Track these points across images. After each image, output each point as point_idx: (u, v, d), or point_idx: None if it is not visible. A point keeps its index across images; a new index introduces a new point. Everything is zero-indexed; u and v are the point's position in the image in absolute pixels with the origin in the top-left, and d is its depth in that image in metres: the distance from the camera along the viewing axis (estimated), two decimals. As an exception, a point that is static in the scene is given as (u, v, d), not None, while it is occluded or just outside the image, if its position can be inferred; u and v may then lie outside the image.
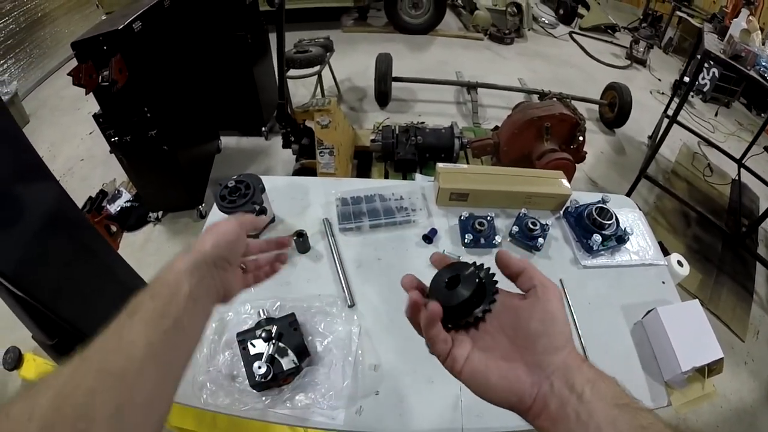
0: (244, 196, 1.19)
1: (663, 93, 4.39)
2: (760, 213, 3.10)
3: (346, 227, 1.29)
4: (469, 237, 1.24)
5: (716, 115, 4.27)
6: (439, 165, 1.37)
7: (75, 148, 3.38)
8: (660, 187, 3.02)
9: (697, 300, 1.17)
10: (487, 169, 1.37)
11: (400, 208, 1.33)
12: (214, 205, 1.22)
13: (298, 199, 1.40)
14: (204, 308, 0.56)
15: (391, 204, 1.34)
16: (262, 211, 1.24)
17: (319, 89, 3.49)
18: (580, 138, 2.46)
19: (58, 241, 1.44)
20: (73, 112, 2.68)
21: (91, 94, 2.07)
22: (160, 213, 2.83)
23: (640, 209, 1.49)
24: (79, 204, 2.82)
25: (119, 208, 2.81)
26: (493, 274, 0.54)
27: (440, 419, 0.97)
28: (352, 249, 1.26)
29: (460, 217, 1.30)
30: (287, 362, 0.95)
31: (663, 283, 1.28)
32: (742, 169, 3.52)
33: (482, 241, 1.25)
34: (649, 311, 1.15)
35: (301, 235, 1.22)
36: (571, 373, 0.44)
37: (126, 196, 2.87)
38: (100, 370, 0.41)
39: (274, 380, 0.94)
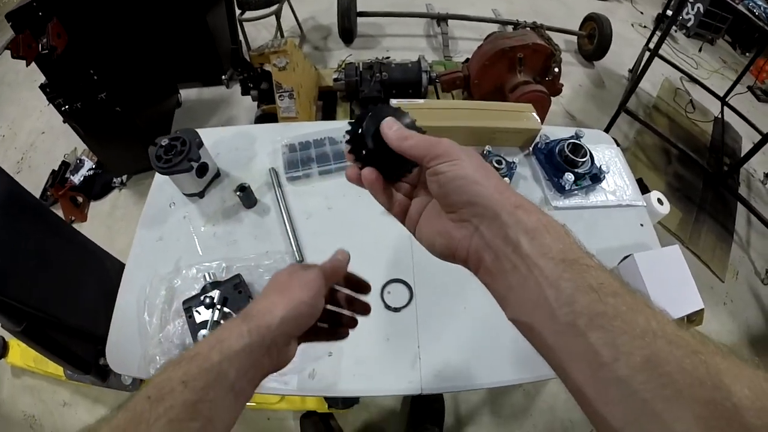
0: (180, 153, 1.10)
1: (645, 26, 4.22)
2: (743, 153, 3.05)
3: (294, 176, 1.18)
4: (425, 179, 1.12)
5: (700, 51, 4.14)
6: (393, 101, 1.24)
7: (35, 121, 3.24)
8: (640, 122, 2.92)
9: (677, 245, 1.09)
10: (448, 104, 1.26)
11: (352, 151, 1.21)
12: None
13: (244, 149, 1.29)
14: (246, 397, 0.46)
15: (342, 147, 1.22)
16: (202, 167, 1.15)
17: (278, 30, 3.30)
18: (556, 69, 2.34)
19: (15, 231, 1.38)
20: (30, 85, 2.56)
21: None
22: (125, 177, 2.74)
23: (618, 145, 1.39)
24: (44, 179, 2.77)
25: (83, 178, 2.70)
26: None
27: (397, 379, 0.92)
28: (301, 199, 1.16)
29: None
30: None
31: (641, 225, 1.21)
32: (725, 108, 3.42)
33: (442, 182, 1.13)
34: (625, 257, 1.07)
35: (243, 189, 1.13)
36: (502, 221, 0.38)
37: (88, 165, 2.76)
38: None
39: None
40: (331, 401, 1.69)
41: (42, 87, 2.10)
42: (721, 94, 3.39)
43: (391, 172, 0.48)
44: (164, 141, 1.12)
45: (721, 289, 2.54)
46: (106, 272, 1.73)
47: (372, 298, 0.98)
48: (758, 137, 2.68)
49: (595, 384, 0.33)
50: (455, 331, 0.97)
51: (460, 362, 0.93)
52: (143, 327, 0.97)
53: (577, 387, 0.34)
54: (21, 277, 1.36)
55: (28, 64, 1.88)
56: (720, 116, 3.44)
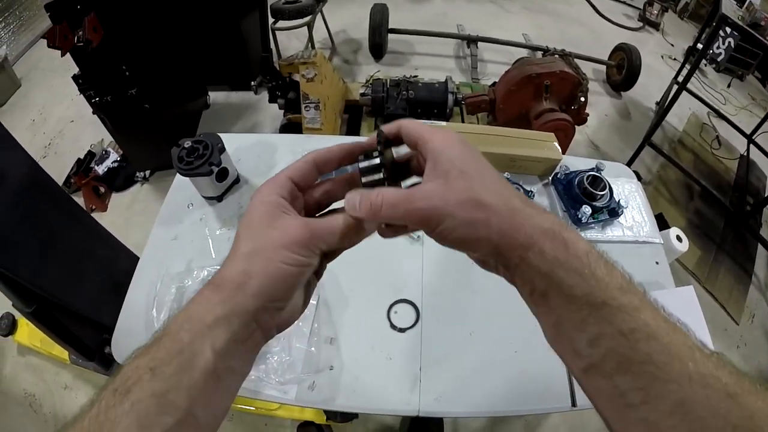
0: (202, 156, 1.11)
1: (675, 59, 4.18)
2: (767, 193, 2.99)
3: (312, 185, 1.17)
4: (443, 202, 1.12)
5: (729, 86, 4.09)
6: (418, 122, 1.24)
7: (65, 109, 3.32)
8: (664, 156, 2.89)
9: (691, 286, 1.07)
10: (469, 128, 1.25)
11: (372, 169, 1.21)
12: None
13: (265, 158, 1.31)
14: (235, 376, 0.38)
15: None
16: (222, 171, 1.16)
17: (310, 41, 3.33)
18: (582, 99, 2.33)
19: (34, 214, 1.41)
20: (63, 73, 2.63)
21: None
22: (147, 172, 2.79)
23: (640, 179, 1.38)
24: (68, 166, 2.83)
25: (107, 169, 2.76)
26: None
27: (396, 399, 0.91)
28: None
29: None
30: None
31: (657, 263, 1.18)
32: (751, 145, 3.37)
33: (458, 207, 1.13)
34: None
35: (262, 196, 1.12)
36: (515, 264, 0.37)
37: (113, 156, 2.81)
38: None
39: None
40: (330, 414, 1.68)
41: (75, 77, 2.15)
42: (748, 132, 3.35)
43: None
44: (187, 143, 1.13)
45: (736, 331, 2.49)
46: (120, 264, 1.75)
47: (378, 317, 1.00)
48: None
49: (621, 421, 0.33)
50: (459, 356, 0.96)
51: (461, 388, 0.92)
52: (150, 322, 0.98)
53: (604, 417, 0.34)
54: (35, 259, 1.38)
55: (63, 55, 1.93)
56: (746, 154, 3.39)
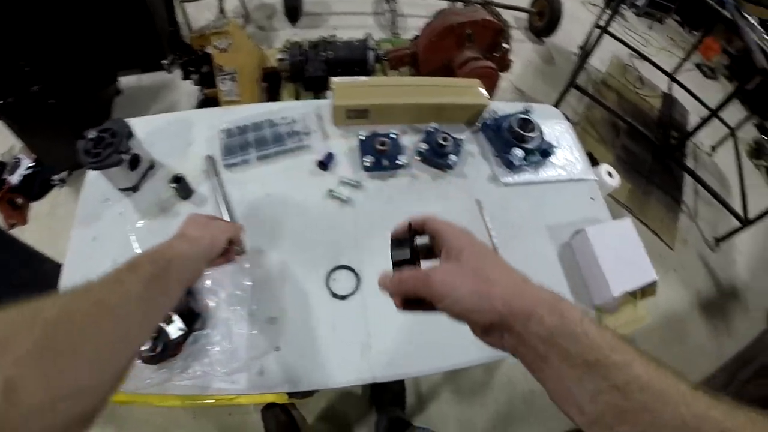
0: (110, 145, 1.02)
1: (596, 5, 4.27)
2: (689, 126, 3.14)
3: (231, 162, 1.11)
4: (369, 159, 1.08)
5: (650, 29, 4.25)
6: (334, 79, 1.19)
7: (-32, 121, 3.03)
8: (589, 96, 2.96)
9: (628, 218, 1.09)
10: (391, 81, 1.20)
11: (291, 133, 1.16)
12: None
13: (180, 137, 1.21)
14: (184, 284, 0.65)
15: (282, 129, 1.16)
16: (134, 159, 1.07)
17: (222, 11, 3.19)
18: (505, 45, 2.31)
19: None
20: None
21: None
22: (65, 173, 2.60)
23: (568, 119, 1.38)
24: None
25: (21, 178, 2.55)
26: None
27: (349, 369, 0.88)
28: (239, 187, 1.09)
29: (359, 136, 1.13)
30: (174, 330, 0.86)
31: (592, 199, 1.19)
32: (673, 84, 3.53)
33: (385, 162, 1.09)
34: (577, 231, 1.06)
35: (178, 180, 1.05)
36: (517, 333, 0.43)
37: (26, 163, 2.60)
38: (99, 301, 0.46)
39: (165, 351, 0.85)
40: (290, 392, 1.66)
41: (-30, 83, 1.95)
42: (670, 71, 3.49)
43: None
44: (92, 134, 1.04)
45: (671, 257, 2.62)
46: (48, 277, 1.63)
47: (317, 286, 0.96)
48: (705, 112, 2.78)
49: None
50: (406, 315, 0.93)
51: (412, 347, 0.91)
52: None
53: None
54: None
55: None
56: (668, 91, 3.55)
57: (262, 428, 1.73)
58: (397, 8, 3.45)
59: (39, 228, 2.43)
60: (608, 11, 2.82)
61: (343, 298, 0.94)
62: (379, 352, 0.90)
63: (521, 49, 3.43)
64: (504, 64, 2.35)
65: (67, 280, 1.03)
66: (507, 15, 2.75)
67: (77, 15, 2.36)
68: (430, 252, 0.56)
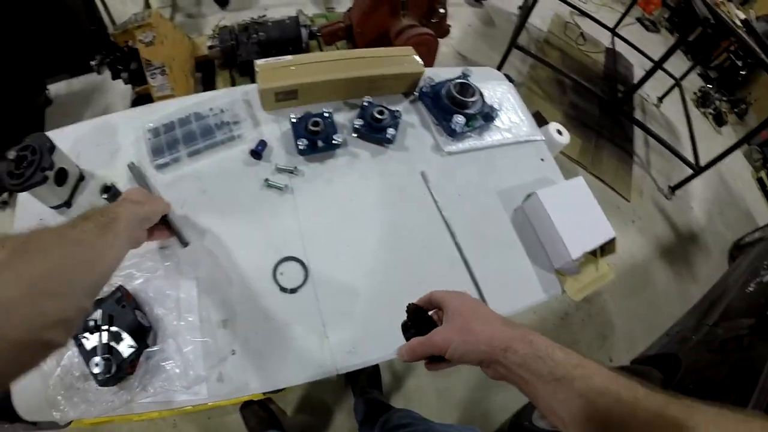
0: (32, 163, 0.95)
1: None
2: (635, 79, 3.18)
3: (161, 163, 1.03)
4: (303, 142, 1.02)
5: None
6: (258, 62, 1.12)
7: None
8: (532, 56, 2.95)
9: (581, 177, 1.07)
10: (320, 56, 1.13)
11: (220, 125, 1.08)
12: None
13: (105, 143, 1.12)
14: (131, 241, 0.70)
15: (210, 121, 1.09)
16: (60, 173, 1.00)
17: (145, 2, 3.03)
18: (441, 10, 2.26)
19: None
20: None
21: None
22: (6, 195, 2.39)
23: (511, 80, 1.35)
24: None
25: (-45, 205, 2.38)
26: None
27: (310, 364, 0.86)
28: (173, 187, 1.02)
29: (291, 119, 1.07)
30: (125, 348, 0.82)
31: (542, 160, 1.17)
32: (615, 38, 3.57)
33: (320, 144, 1.04)
34: (528, 195, 1.04)
35: (108, 189, 0.99)
36: (501, 364, 0.55)
37: (-41, 188, 2.42)
38: (60, 234, 0.56)
39: (120, 371, 0.80)
40: (264, 387, 1.65)
41: None
42: (611, 26, 3.53)
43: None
44: (12, 154, 0.96)
45: (628, 208, 2.67)
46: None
47: (265, 281, 0.90)
48: (649, 65, 2.82)
49: None
50: (360, 301, 0.91)
51: (370, 333, 0.88)
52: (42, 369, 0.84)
53: None
54: None
55: None
56: (611, 46, 3.59)
57: (243, 426, 1.73)
58: (327, -19, 3.33)
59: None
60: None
61: (292, 291, 0.90)
62: (337, 343, 0.87)
63: (459, 13, 3.38)
64: (442, 30, 2.31)
65: None
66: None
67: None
68: (431, 324, 0.67)
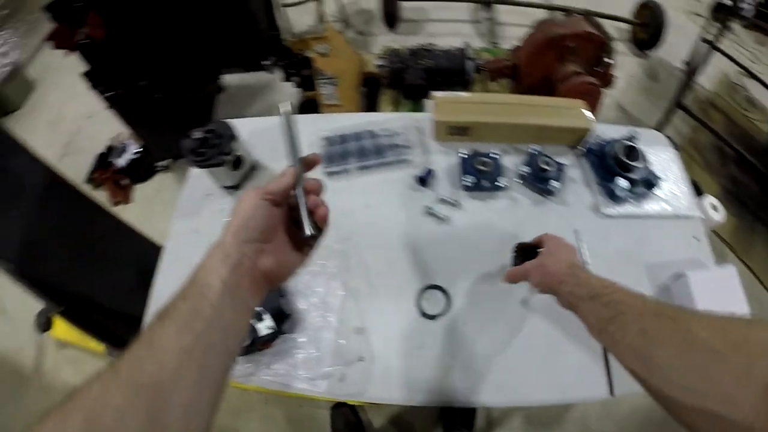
0: (214, 146, 1.09)
1: (701, 15, 3.99)
2: (803, 156, 2.85)
3: (333, 171, 1.13)
4: (469, 179, 1.07)
5: (761, 45, 3.89)
6: (435, 94, 1.18)
7: (81, 106, 3.28)
8: (696, 119, 2.74)
9: (732, 266, 0.99)
10: (494, 98, 1.17)
11: (392, 146, 1.16)
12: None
13: (281, 141, 1.24)
14: (243, 301, 0.51)
15: (382, 141, 1.17)
16: (237, 160, 1.13)
17: (321, 15, 3.23)
18: (608, 60, 2.20)
19: (56, 218, 1.43)
20: (75, 71, 2.60)
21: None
22: (169, 160, 2.79)
23: (675, 146, 1.29)
24: (90, 162, 2.85)
25: (128, 161, 2.78)
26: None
27: (429, 389, 0.88)
28: (339, 196, 1.09)
29: (460, 154, 1.12)
30: (264, 327, 0.90)
31: (696, 239, 1.09)
32: (787, 107, 3.20)
33: (485, 183, 1.07)
34: (677, 274, 0.99)
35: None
36: (560, 292, 0.73)
37: (133, 148, 2.82)
38: (131, 384, 0.40)
39: (252, 346, 0.89)
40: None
41: (84, 74, 2.13)
42: (785, 94, 3.17)
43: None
44: (197, 134, 1.10)
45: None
46: (145, 255, 1.74)
47: (408, 304, 0.96)
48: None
49: (616, 350, 0.59)
50: (493, 343, 0.92)
51: (495, 376, 0.89)
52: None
53: (615, 357, 0.59)
54: (62, 261, 1.39)
55: (67, 54, 1.94)
56: (781, 117, 3.21)
57: (328, 424, 1.77)
58: (495, 16, 3.38)
59: (141, 209, 2.63)
60: (715, 23, 2.62)
61: (432, 318, 0.94)
62: (461, 377, 0.88)
63: (624, 62, 3.24)
64: (607, 80, 2.23)
65: (167, 265, 1.11)
66: (609, 26, 2.61)
67: (184, 16, 2.50)
68: (533, 256, 0.84)
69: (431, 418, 1.78)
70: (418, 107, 2.45)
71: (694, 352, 0.47)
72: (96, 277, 1.54)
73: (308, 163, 0.61)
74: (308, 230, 0.55)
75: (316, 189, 0.59)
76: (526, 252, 0.87)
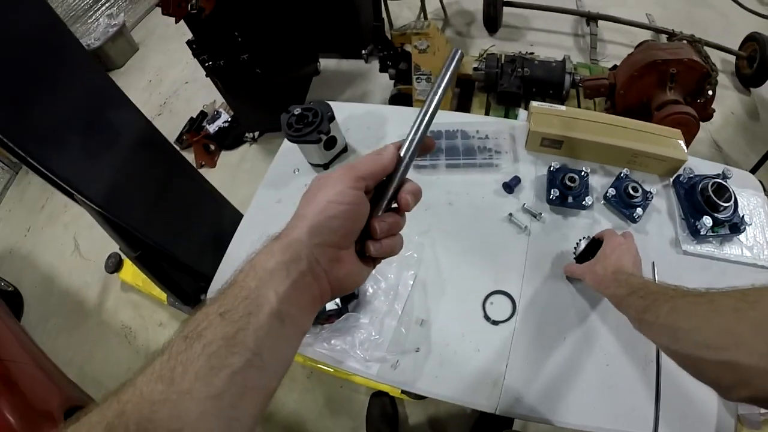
0: (311, 124, 1.13)
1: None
2: None
3: (420, 164, 1.16)
4: (555, 193, 1.06)
5: None
6: (534, 104, 1.18)
7: (180, 72, 3.54)
8: (792, 168, 2.55)
9: None
10: (591, 115, 1.15)
11: (482, 149, 1.18)
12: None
13: (374, 128, 1.30)
14: (296, 326, 0.40)
15: (474, 143, 1.19)
16: (331, 140, 1.18)
17: (422, 11, 3.26)
18: (710, 92, 2.08)
19: (146, 168, 1.50)
20: (178, 38, 2.75)
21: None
22: (256, 133, 2.92)
23: (766, 193, 1.23)
24: (182, 124, 3.05)
25: (217, 128, 2.93)
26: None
27: (476, 392, 0.89)
28: (424, 190, 1.12)
29: (550, 167, 1.11)
30: (331, 303, 0.91)
31: None
32: None
33: (570, 200, 1.07)
34: None
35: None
36: (602, 290, 0.83)
37: (224, 117, 2.97)
38: None
39: (317, 319, 0.93)
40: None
41: (189, 43, 2.26)
42: None
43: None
44: (297, 110, 1.16)
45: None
46: (223, 218, 1.85)
47: (473, 306, 0.98)
48: None
49: (650, 334, 0.66)
50: (548, 358, 0.92)
51: (543, 392, 0.88)
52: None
53: (653, 341, 0.68)
54: (144, 209, 1.48)
55: (177, 22, 2.02)
56: None
57: (365, 410, 1.82)
58: (597, 32, 3.26)
59: (224, 174, 2.79)
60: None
61: (494, 323, 0.95)
62: (510, 387, 0.89)
63: (724, 97, 3.05)
64: (706, 113, 2.13)
65: (245, 229, 1.16)
66: (714, 56, 2.46)
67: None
68: (592, 254, 0.91)
69: (466, 427, 1.79)
70: (509, 114, 2.44)
71: (717, 315, 0.53)
72: (174, 230, 1.63)
73: (424, 146, 0.49)
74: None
75: (416, 191, 0.49)
76: (589, 246, 0.94)
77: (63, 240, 2.72)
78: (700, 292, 0.59)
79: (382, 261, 0.49)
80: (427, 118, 0.47)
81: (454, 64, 0.48)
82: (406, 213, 0.49)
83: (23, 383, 1.45)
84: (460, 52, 0.48)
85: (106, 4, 3.80)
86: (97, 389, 1.89)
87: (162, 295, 2.13)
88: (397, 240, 0.48)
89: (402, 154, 0.46)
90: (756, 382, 0.46)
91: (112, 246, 1.72)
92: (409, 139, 0.47)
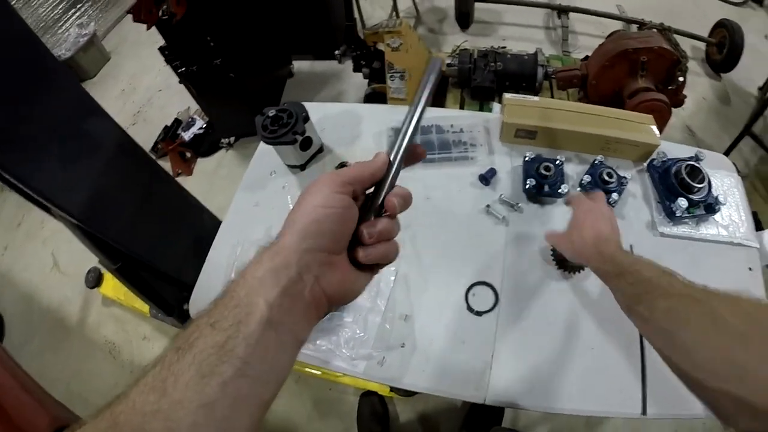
0: (286, 125, 1.13)
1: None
2: None
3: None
4: (531, 182, 1.07)
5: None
6: (507, 95, 1.20)
7: (153, 79, 3.49)
8: (765, 149, 2.62)
9: None
10: (564, 105, 1.17)
11: (457, 142, 1.19)
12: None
13: (350, 127, 1.30)
14: (291, 333, 0.39)
15: (449, 137, 1.20)
16: (306, 140, 1.17)
17: (394, 9, 3.27)
18: (680, 78, 2.13)
19: (124, 179, 1.48)
20: (151, 45, 2.71)
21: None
22: (232, 139, 2.90)
23: (739, 173, 1.25)
24: (156, 132, 2.99)
25: (192, 135, 2.89)
26: None
27: (464, 384, 0.90)
28: (400, 184, 1.13)
29: (525, 157, 1.13)
30: None
31: (750, 269, 1.06)
32: None
33: (546, 188, 1.07)
34: None
35: (343, 166, 1.13)
36: (594, 267, 0.76)
37: (199, 123, 2.94)
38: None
39: None
40: (394, 387, 1.70)
41: (161, 49, 2.23)
42: None
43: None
44: (271, 112, 1.16)
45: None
46: (202, 226, 1.83)
47: (456, 298, 0.99)
48: None
49: (643, 328, 0.62)
50: (533, 346, 0.93)
51: (530, 380, 0.89)
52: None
53: (643, 334, 0.71)
54: (122, 219, 1.45)
55: (148, 29, 1.99)
56: None
57: (355, 410, 1.81)
58: (569, 24, 3.30)
59: (201, 182, 2.75)
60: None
61: (478, 314, 0.96)
62: (497, 377, 0.89)
63: (695, 83, 3.12)
64: (677, 99, 2.17)
65: (224, 234, 1.15)
66: (683, 43, 2.52)
67: (262, 1, 2.59)
68: None
69: (457, 421, 1.78)
70: (483, 109, 2.46)
71: (718, 334, 0.48)
72: (154, 240, 1.61)
73: (414, 154, 0.49)
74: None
75: (405, 195, 0.49)
76: None
77: (41, 256, 2.65)
78: (699, 292, 0.54)
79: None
80: (413, 124, 0.48)
81: (436, 72, 0.51)
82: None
83: (10, 407, 1.42)
84: (440, 60, 0.51)
85: (76, 14, 3.72)
86: (85, 406, 1.84)
87: (144, 308, 2.10)
88: (390, 246, 0.48)
89: (390, 159, 0.47)
90: (760, 418, 0.42)
91: (92, 260, 1.69)
92: (397, 144, 0.48)
